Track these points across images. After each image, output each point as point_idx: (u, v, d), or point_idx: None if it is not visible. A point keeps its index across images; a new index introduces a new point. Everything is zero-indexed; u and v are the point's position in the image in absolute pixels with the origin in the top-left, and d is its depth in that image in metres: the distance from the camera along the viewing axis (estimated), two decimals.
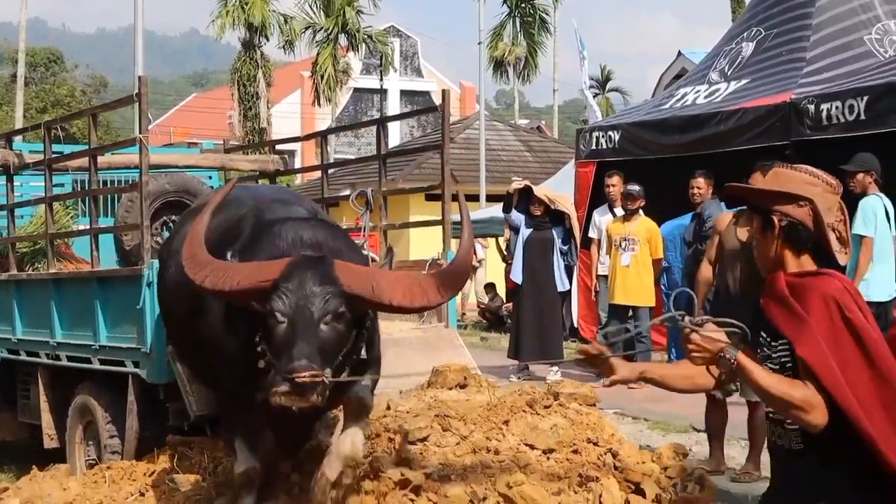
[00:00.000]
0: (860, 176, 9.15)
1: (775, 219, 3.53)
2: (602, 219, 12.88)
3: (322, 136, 9.97)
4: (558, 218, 12.19)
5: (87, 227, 8.56)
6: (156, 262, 7.41)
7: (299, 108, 48.80)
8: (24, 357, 9.24)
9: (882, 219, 9.17)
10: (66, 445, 8.61)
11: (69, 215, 9.79)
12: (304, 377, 4.20)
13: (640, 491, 6.22)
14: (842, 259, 3.51)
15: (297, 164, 36.29)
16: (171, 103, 67.54)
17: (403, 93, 51.06)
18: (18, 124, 30.22)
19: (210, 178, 10.55)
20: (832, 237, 3.49)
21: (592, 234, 13.10)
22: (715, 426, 7.87)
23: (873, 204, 9.14)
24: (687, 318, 3.51)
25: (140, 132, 7.44)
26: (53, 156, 8.90)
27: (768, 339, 3.54)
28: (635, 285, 11.57)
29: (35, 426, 9.40)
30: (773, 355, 3.51)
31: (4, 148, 9.23)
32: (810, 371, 3.31)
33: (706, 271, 8.07)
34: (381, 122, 9.26)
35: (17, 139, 10.37)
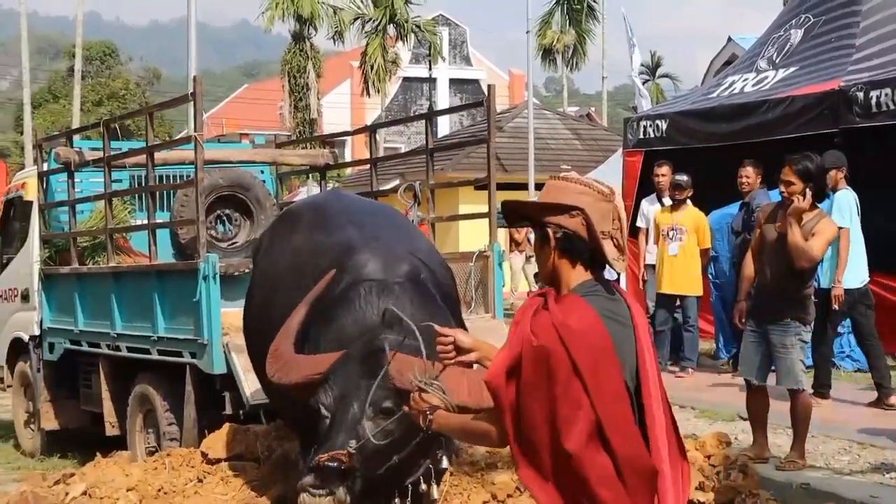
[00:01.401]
0: (832, 172, 9.53)
1: (550, 231, 3.47)
2: (650, 208, 12.91)
3: (371, 131, 10.13)
4: None
5: (145, 222, 8.83)
6: (212, 256, 7.65)
7: (349, 99, 49.06)
8: (85, 347, 9.54)
9: (855, 211, 9.74)
10: (127, 433, 8.89)
11: (127, 210, 10.05)
12: (324, 456, 3.88)
13: None
14: (619, 266, 3.46)
15: (348, 155, 36.57)
16: (223, 94, 68.08)
17: (452, 81, 51.14)
18: (76, 118, 30.75)
19: (262, 171, 10.77)
20: (608, 245, 3.44)
21: (640, 223, 13.15)
22: (756, 413, 7.91)
23: (847, 197, 9.69)
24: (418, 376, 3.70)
25: (195, 130, 7.66)
26: (112, 153, 9.17)
27: None
28: (683, 275, 11.63)
29: (96, 414, 9.71)
30: None
31: (65, 146, 9.50)
32: (492, 391, 3.37)
33: (748, 267, 8.15)
34: (429, 117, 9.42)
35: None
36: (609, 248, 3.43)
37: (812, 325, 7.76)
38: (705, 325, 12.76)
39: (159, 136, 23.56)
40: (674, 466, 3.41)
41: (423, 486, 4.37)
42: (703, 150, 13.68)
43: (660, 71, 56.12)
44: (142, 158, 8.82)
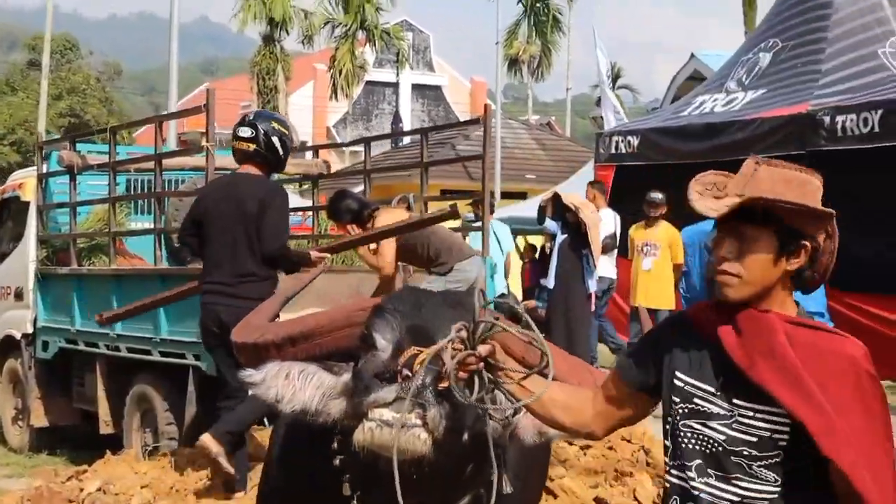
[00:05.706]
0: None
1: (808, 244, 2.62)
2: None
3: (366, 144, 10.44)
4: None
5: (150, 226, 9.06)
6: None
7: (311, 101, 49.15)
8: (82, 347, 9.76)
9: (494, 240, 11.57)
10: (124, 432, 9.13)
11: (123, 213, 10.28)
12: (422, 356, 2.77)
13: None
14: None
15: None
16: (181, 91, 67.80)
17: (415, 86, 51.39)
18: (42, 112, 30.58)
19: None
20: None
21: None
22: None
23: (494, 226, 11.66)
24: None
25: (207, 141, 7.97)
26: (118, 159, 9.42)
27: (732, 397, 2.66)
28: (656, 289, 12.02)
29: (87, 411, 9.94)
30: (739, 416, 2.65)
31: (68, 150, 9.72)
32: (841, 474, 2.52)
33: None
34: (425, 132, 9.75)
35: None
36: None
37: None
38: None
39: (124, 134, 23.60)
40: None
41: None
42: (675, 167, 14.02)
43: (619, 82, 56.77)
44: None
